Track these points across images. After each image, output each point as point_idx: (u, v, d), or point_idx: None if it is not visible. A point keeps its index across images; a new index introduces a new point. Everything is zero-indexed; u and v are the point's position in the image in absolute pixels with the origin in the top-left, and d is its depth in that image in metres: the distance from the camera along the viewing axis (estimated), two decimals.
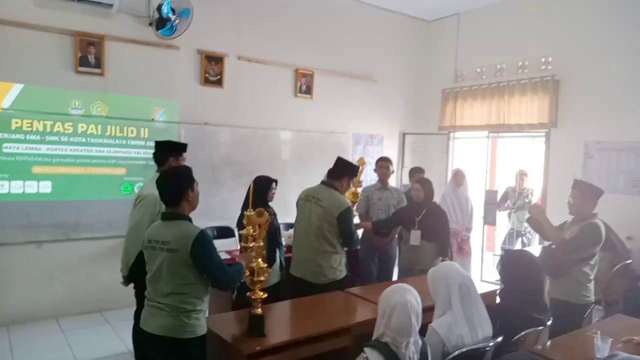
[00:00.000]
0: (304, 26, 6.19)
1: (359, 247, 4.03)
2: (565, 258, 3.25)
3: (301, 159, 6.22)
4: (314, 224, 3.47)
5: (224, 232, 5.12)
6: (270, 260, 3.69)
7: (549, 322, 2.74)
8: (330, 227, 3.44)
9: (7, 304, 4.48)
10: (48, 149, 4.60)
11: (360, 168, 4.06)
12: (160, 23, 4.85)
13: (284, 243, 4.16)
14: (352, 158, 6.68)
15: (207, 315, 2.48)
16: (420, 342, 2.13)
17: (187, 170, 2.54)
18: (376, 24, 6.88)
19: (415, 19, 7.31)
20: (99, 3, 4.58)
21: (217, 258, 2.37)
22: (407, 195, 4.63)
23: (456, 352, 2.35)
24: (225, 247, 4.49)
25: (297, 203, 3.70)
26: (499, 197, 6.35)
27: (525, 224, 5.97)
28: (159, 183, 2.45)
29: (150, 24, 4.93)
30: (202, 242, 2.30)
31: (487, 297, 3.08)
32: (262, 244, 2.62)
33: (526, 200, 6.20)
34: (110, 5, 4.63)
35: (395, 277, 4.74)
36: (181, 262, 2.28)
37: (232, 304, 3.57)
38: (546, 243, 3.72)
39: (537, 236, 6.08)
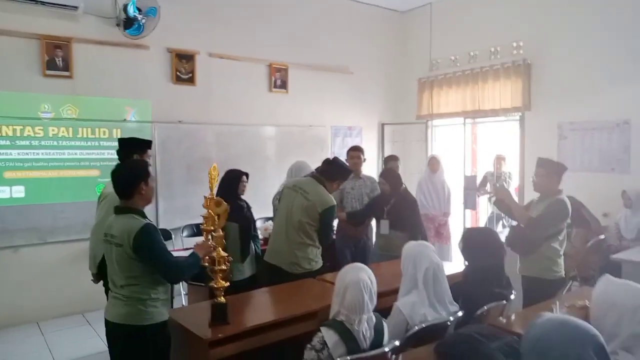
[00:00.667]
0: (276, 21, 6.20)
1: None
2: (534, 236, 3.29)
3: (280, 153, 6.23)
4: (295, 215, 3.46)
5: None
6: (244, 252, 3.73)
7: (512, 297, 2.77)
8: (311, 221, 3.44)
9: None
10: (19, 153, 4.59)
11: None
12: (128, 23, 4.85)
13: (260, 236, 4.17)
14: (332, 151, 6.73)
15: (169, 303, 2.55)
16: (374, 319, 2.16)
17: (142, 164, 2.55)
18: (349, 17, 6.90)
19: (389, 10, 7.33)
20: (64, 5, 4.56)
21: (162, 252, 2.34)
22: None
23: (416, 328, 2.38)
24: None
25: (282, 190, 3.71)
26: (478, 182, 6.40)
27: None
28: (113, 176, 2.45)
29: (118, 25, 4.92)
30: (144, 237, 2.29)
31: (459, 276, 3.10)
32: (221, 233, 2.63)
33: (505, 184, 6.24)
34: (76, 8, 4.62)
35: None
36: (126, 256, 2.30)
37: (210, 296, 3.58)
38: (514, 223, 3.78)
39: None
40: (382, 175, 4.27)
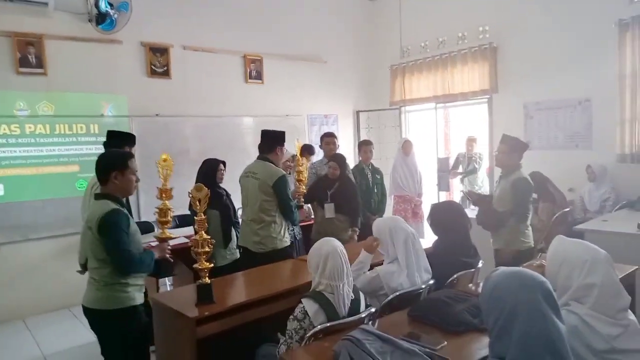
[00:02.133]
0: (249, 12, 6.26)
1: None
2: (510, 217, 3.45)
3: (258, 144, 6.30)
4: (252, 197, 3.66)
5: (186, 220, 5.20)
6: (226, 238, 3.84)
7: (480, 265, 2.96)
8: (267, 197, 3.60)
9: None
10: None
11: (297, 144, 4.14)
12: (100, 18, 4.88)
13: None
14: (309, 139, 6.84)
15: (143, 288, 2.56)
16: (352, 284, 2.31)
17: (122, 155, 2.57)
18: (322, 6, 7.01)
19: None
20: (34, 2, 4.57)
21: (118, 240, 2.33)
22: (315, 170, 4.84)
23: (391, 296, 2.54)
24: (185, 234, 4.59)
25: (239, 181, 3.85)
26: (451, 164, 6.61)
27: (477, 187, 6.23)
28: (95, 163, 2.51)
29: (90, 20, 4.94)
30: (107, 222, 2.32)
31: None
32: (204, 217, 2.73)
33: (476, 165, 6.46)
34: (46, 4, 4.62)
35: None
36: (94, 239, 2.35)
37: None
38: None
39: None
40: (334, 159, 4.34)
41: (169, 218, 2.79)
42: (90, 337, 4.10)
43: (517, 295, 1.42)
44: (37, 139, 4.80)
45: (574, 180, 5.36)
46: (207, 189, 2.77)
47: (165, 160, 2.83)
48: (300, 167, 3.81)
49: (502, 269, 1.56)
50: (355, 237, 4.36)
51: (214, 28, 5.95)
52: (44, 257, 4.87)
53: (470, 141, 6.47)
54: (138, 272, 2.46)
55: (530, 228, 3.58)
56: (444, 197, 7.01)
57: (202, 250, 2.67)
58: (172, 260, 2.79)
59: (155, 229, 5.12)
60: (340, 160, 4.33)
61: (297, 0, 6.74)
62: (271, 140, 3.75)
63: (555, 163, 5.41)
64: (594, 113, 5.34)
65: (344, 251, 2.29)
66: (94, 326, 2.48)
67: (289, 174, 4.19)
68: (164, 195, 2.77)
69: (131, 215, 3.21)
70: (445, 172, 6.52)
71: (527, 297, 1.41)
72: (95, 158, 2.54)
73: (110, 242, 2.32)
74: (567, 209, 4.81)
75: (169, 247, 2.69)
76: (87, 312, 2.45)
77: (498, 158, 3.59)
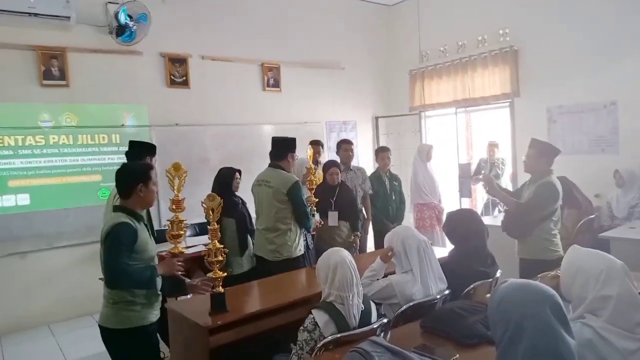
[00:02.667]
0: (265, 21, 6.31)
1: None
2: (525, 220, 3.30)
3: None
4: (266, 206, 3.65)
5: (206, 228, 5.24)
6: (242, 246, 3.86)
7: (498, 275, 2.89)
8: (281, 205, 3.58)
9: None
10: (22, 162, 4.74)
11: (309, 152, 4.11)
12: (120, 30, 4.97)
13: None
14: (328, 146, 6.83)
15: (156, 306, 2.45)
16: (362, 295, 2.28)
17: (145, 166, 2.55)
18: (338, 13, 7.02)
19: (377, 4, 7.44)
20: (56, 16, 4.69)
21: (113, 253, 2.22)
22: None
23: (405, 306, 2.50)
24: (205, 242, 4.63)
25: (251, 189, 3.85)
26: (473, 169, 6.50)
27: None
28: (116, 175, 2.46)
29: (110, 32, 5.05)
30: (109, 235, 2.26)
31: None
32: (216, 226, 2.72)
33: (499, 171, 6.33)
34: (68, 18, 4.74)
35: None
36: (101, 252, 2.32)
37: None
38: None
39: None
40: (334, 164, 4.37)
41: (182, 231, 2.70)
42: None
43: (524, 308, 1.37)
44: (60, 150, 4.93)
45: (600, 185, 5.20)
46: (220, 198, 2.78)
47: (177, 169, 2.71)
48: (312, 177, 3.80)
49: (511, 280, 1.51)
50: (358, 242, 4.37)
51: (231, 37, 6.01)
52: (68, 264, 4.98)
53: (492, 146, 6.34)
54: (129, 287, 2.30)
55: (558, 236, 3.38)
56: (465, 203, 6.90)
57: (216, 259, 2.67)
58: (184, 279, 2.58)
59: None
60: (340, 166, 4.36)
61: (313, 7, 6.76)
62: (282, 148, 3.74)
63: (579, 168, 5.26)
64: (620, 116, 5.17)
65: (353, 261, 2.27)
66: (104, 343, 2.46)
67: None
68: (175, 206, 2.69)
69: (151, 225, 3.25)
70: (466, 178, 6.40)
71: (535, 310, 1.36)
72: (117, 167, 2.50)
73: (106, 254, 2.25)
74: (593, 216, 4.67)
75: (181, 263, 2.50)
76: (100, 328, 2.43)
77: (527, 163, 3.40)
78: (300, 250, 3.69)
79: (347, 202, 4.28)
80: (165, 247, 3.03)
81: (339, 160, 4.88)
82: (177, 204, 2.68)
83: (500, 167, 6.39)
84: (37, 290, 4.81)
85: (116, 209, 2.43)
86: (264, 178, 3.73)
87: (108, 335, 2.39)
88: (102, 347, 4.08)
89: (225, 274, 2.75)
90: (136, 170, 2.49)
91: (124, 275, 2.22)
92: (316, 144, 5.05)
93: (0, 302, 4.64)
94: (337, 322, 2.18)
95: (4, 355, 4.20)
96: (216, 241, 2.70)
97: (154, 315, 2.45)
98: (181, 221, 2.70)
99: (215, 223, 2.72)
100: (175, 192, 2.67)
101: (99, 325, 2.42)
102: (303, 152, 4.06)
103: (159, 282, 2.30)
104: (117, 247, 2.23)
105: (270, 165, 3.77)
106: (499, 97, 6.10)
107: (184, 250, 2.70)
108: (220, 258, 2.69)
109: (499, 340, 1.42)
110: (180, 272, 2.51)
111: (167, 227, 2.77)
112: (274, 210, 3.60)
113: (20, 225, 4.72)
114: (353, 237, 4.26)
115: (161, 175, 5.43)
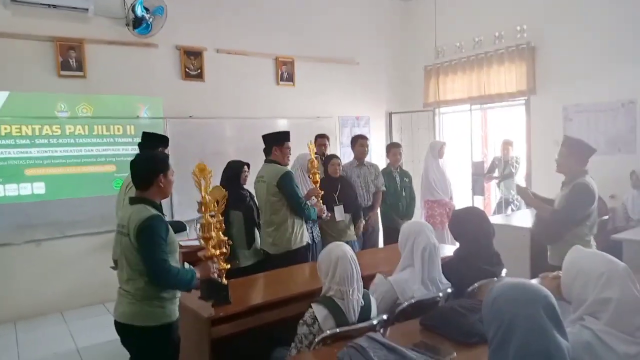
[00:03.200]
0: (281, 14, 6.31)
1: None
2: (561, 226, 3.13)
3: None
4: (263, 200, 3.75)
5: None
6: (249, 239, 3.89)
7: (503, 274, 2.85)
8: (274, 197, 3.65)
9: (12, 301, 4.74)
10: (38, 151, 4.83)
11: (310, 145, 4.06)
12: (136, 22, 5.04)
13: None
14: (340, 141, 6.85)
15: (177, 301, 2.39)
16: (362, 290, 2.28)
17: (163, 156, 2.50)
18: (354, 8, 6.98)
19: None
20: (75, 8, 4.77)
21: (156, 249, 2.17)
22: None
23: (406, 304, 2.49)
24: None
25: (254, 187, 3.93)
26: (487, 167, 6.44)
27: (513, 192, 6.06)
28: (132, 165, 2.36)
29: (127, 25, 5.11)
30: (146, 229, 2.17)
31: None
32: (221, 218, 2.71)
33: (512, 169, 6.26)
34: (86, 10, 4.82)
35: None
36: (131, 246, 2.21)
37: None
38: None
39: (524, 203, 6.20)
40: (337, 156, 4.51)
41: (213, 234, 2.56)
42: None
43: (517, 308, 1.36)
44: (76, 140, 5.02)
45: (615, 186, 5.10)
46: (224, 190, 2.80)
47: (202, 170, 2.54)
48: (315, 169, 3.83)
49: (506, 279, 1.50)
50: (360, 233, 4.46)
51: (246, 31, 6.03)
52: (81, 253, 5.07)
53: (506, 144, 6.28)
54: (172, 288, 2.28)
55: (593, 243, 3.20)
56: (478, 201, 6.84)
57: (220, 251, 2.63)
58: (220, 282, 2.57)
59: (187, 228, 5.29)
60: (338, 157, 4.46)
61: (328, 1, 6.73)
62: (268, 142, 3.83)
63: (595, 168, 4.99)
64: (639, 116, 5.06)
65: (354, 256, 2.27)
66: (126, 342, 2.34)
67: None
68: (204, 208, 2.55)
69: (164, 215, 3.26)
70: (480, 175, 6.35)
71: (527, 310, 1.35)
72: (132, 159, 2.41)
73: (147, 250, 2.17)
74: (606, 217, 4.59)
75: (215, 266, 2.49)
76: (120, 327, 2.30)
77: (558, 163, 3.23)
78: (301, 242, 3.73)
79: (350, 193, 4.34)
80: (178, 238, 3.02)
81: (353, 156, 4.89)
82: (207, 206, 2.55)
83: (514, 166, 6.32)
84: (51, 277, 4.92)
85: (136, 200, 2.32)
86: (260, 174, 3.83)
87: (133, 334, 2.27)
88: (112, 336, 4.15)
89: (229, 266, 2.75)
90: (158, 159, 2.41)
91: (170, 275, 2.19)
92: (322, 137, 5.15)
93: (15, 288, 4.76)
94: (336, 317, 2.18)
95: (17, 341, 4.31)
96: (220, 233, 2.66)
97: (177, 311, 2.39)
98: (211, 223, 2.53)
99: (220, 215, 2.69)
100: (203, 194, 2.53)
101: (120, 324, 2.29)
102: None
103: (195, 284, 2.33)
104: (158, 242, 2.18)
105: (265, 161, 3.85)
106: (515, 94, 6.02)
107: (216, 252, 2.56)
108: (224, 250, 2.65)
109: (491, 339, 1.41)
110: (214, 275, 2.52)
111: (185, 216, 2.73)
112: (269, 203, 3.68)
113: (36, 214, 4.83)
114: (355, 229, 4.35)
115: (175, 167, 5.57)
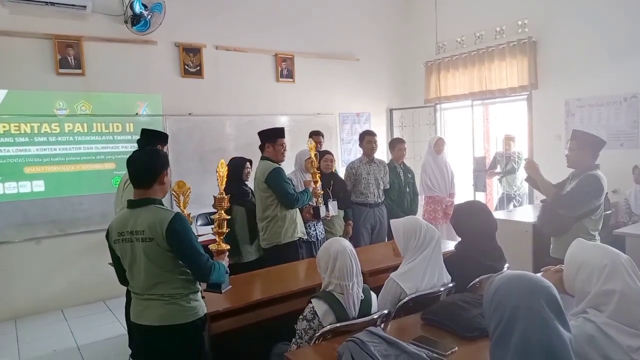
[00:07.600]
0: (281, 10, 6.28)
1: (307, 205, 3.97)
2: (565, 214, 3.07)
3: (289, 142, 6.28)
4: (257, 197, 3.78)
5: None
6: (252, 234, 3.89)
7: (505, 269, 2.82)
8: (263, 193, 3.68)
9: (13, 299, 4.73)
10: (37, 149, 4.82)
11: (310, 144, 3.99)
12: (135, 20, 5.02)
13: None
14: (340, 137, 6.82)
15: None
16: (362, 284, 2.26)
17: (164, 152, 2.40)
18: (352, 3, 6.94)
19: None
20: (73, 5, 4.74)
21: (195, 244, 2.15)
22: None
23: (407, 298, 2.46)
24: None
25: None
26: (489, 163, 6.40)
27: (515, 188, 6.03)
28: (134, 163, 2.21)
29: (125, 22, 5.09)
30: (177, 227, 2.09)
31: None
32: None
33: (514, 165, 6.22)
34: (84, 7, 4.79)
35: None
36: (160, 249, 2.10)
37: None
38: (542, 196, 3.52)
39: (527, 198, 6.17)
40: (329, 152, 4.53)
41: (225, 229, 2.55)
42: (122, 330, 4.26)
43: (518, 299, 1.33)
44: (75, 137, 5.00)
45: (618, 181, 5.05)
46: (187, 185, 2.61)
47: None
48: (314, 169, 3.81)
49: (507, 272, 1.47)
50: (350, 231, 4.47)
51: (245, 28, 6.00)
52: (81, 251, 5.06)
53: (508, 140, 6.23)
54: (217, 280, 2.27)
55: (598, 239, 3.13)
56: (480, 197, 6.80)
57: (221, 230, 2.53)
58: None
59: (194, 228, 5.23)
60: (331, 153, 4.51)
61: None
62: (262, 139, 3.84)
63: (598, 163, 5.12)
64: None
65: (354, 250, 2.25)
66: (157, 344, 2.20)
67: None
68: (218, 204, 2.54)
69: None
70: (481, 171, 6.31)
71: (528, 302, 1.32)
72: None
73: (188, 248, 2.12)
74: (609, 212, 4.55)
75: (227, 259, 2.50)
76: (154, 330, 2.17)
77: (568, 156, 3.15)
78: (292, 237, 3.71)
79: (342, 189, 4.37)
80: None
81: (362, 152, 4.84)
82: (221, 202, 2.54)
83: (516, 161, 6.28)
84: (51, 275, 4.91)
85: (141, 202, 2.17)
86: (255, 172, 3.85)
87: (172, 334, 2.17)
88: (111, 333, 4.25)
89: (228, 246, 2.56)
90: (162, 154, 2.28)
91: (214, 268, 2.20)
92: (316, 135, 5.11)
93: (15, 286, 4.75)
94: (336, 311, 2.16)
95: (18, 338, 4.30)
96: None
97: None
98: (224, 219, 2.55)
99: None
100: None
101: (156, 327, 2.16)
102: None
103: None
104: (194, 238, 2.17)
105: (260, 159, 3.87)
106: (517, 89, 5.97)
107: (227, 247, 2.54)
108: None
109: (492, 331, 1.38)
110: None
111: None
112: (260, 199, 3.72)
113: (35, 211, 4.82)
114: (345, 227, 4.40)
115: (174, 163, 5.55)
